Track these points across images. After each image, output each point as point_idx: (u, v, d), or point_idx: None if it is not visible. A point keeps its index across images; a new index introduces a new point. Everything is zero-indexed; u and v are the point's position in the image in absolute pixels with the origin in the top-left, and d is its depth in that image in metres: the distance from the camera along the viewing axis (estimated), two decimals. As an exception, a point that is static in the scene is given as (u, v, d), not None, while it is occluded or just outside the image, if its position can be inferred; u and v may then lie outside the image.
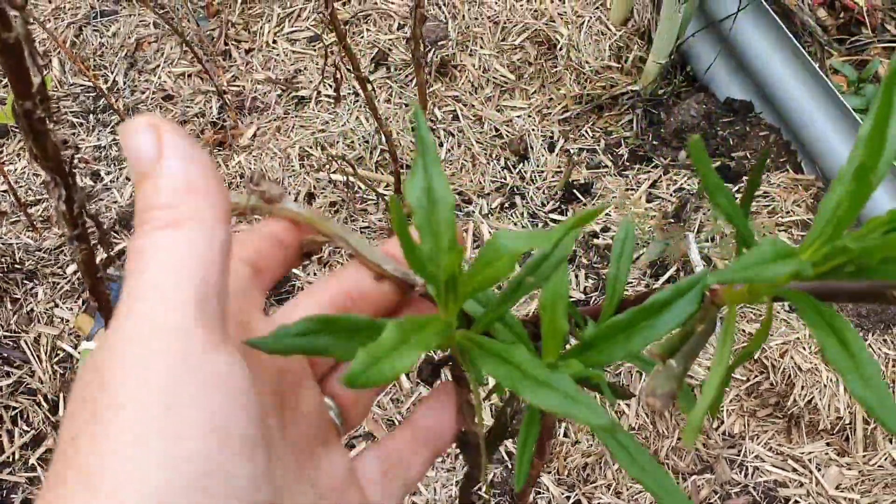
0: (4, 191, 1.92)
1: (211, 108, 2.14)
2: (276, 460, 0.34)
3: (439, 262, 0.38)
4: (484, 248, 0.36)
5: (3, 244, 1.77)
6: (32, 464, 1.66)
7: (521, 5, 2.20)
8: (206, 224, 0.29)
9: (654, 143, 1.99)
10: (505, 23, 2.19)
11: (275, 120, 2.09)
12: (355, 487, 0.39)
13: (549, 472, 1.51)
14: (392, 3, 2.26)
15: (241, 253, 0.38)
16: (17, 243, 1.79)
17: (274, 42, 2.23)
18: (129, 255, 0.29)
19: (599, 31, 2.12)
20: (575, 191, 1.96)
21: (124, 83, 2.18)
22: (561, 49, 2.11)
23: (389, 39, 2.19)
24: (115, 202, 1.92)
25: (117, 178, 1.98)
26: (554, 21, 2.16)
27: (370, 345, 0.34)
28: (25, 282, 1.76)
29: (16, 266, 1.76)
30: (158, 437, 0.26)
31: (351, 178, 1.93)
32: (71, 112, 2.12)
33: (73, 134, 2.08)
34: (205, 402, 0.27)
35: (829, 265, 0.34)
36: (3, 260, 1.76)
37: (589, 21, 2.13)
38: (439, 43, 2.16)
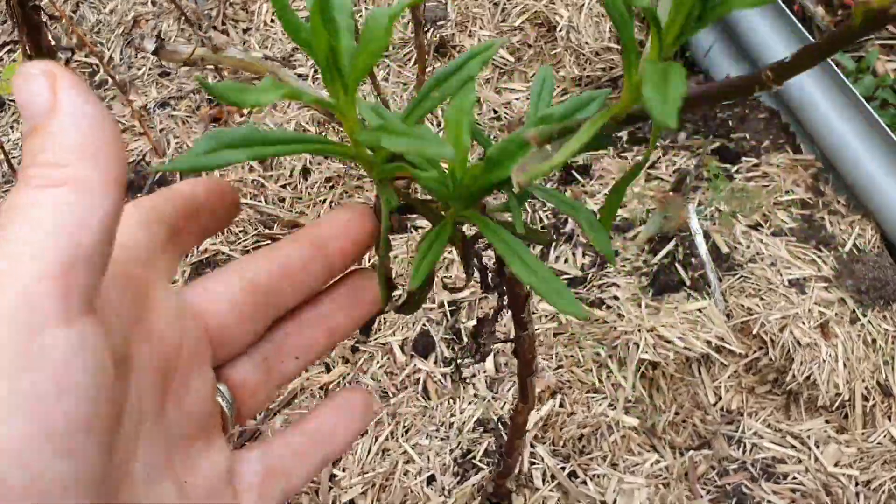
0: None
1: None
2: (128, 453, 0.30)
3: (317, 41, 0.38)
4: (363, 31, 0.37)
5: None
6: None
7: (521, -13, 2.20)
8: (92, 188, 0.27)
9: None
10: (504, 4, 2.18)
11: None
12: (229, 491, 0.36)
13: (545, 443, 1.49)
14: (392, -16, 2.25)
15: (161, 211, 0.36)
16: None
17: (272, 22, 2.22)
18: (2, 212, 0.27)
19: (600, 12, 2.11)
20: (574, 171, 1.95)
21: (121, 59, 2.17)
22: (560, 31, 2.11)
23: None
24: (109, 173, 1.90)
25: (111, 151, 1.96)
26: (554, 3, 2.15)
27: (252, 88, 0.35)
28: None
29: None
30: None
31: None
32: (66, 86, 2.10)
33: (68, 107, 2.06)
34: (26, 382, 0.24)
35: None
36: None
37: (589, 3, 2.13)
38: (438, 23, 2.15)
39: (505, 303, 0.85)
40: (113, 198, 0.28)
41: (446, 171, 0.53)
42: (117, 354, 0.29)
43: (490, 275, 0.67)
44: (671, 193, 1.54)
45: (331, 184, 1.90)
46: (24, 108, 0.28)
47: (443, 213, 0.55)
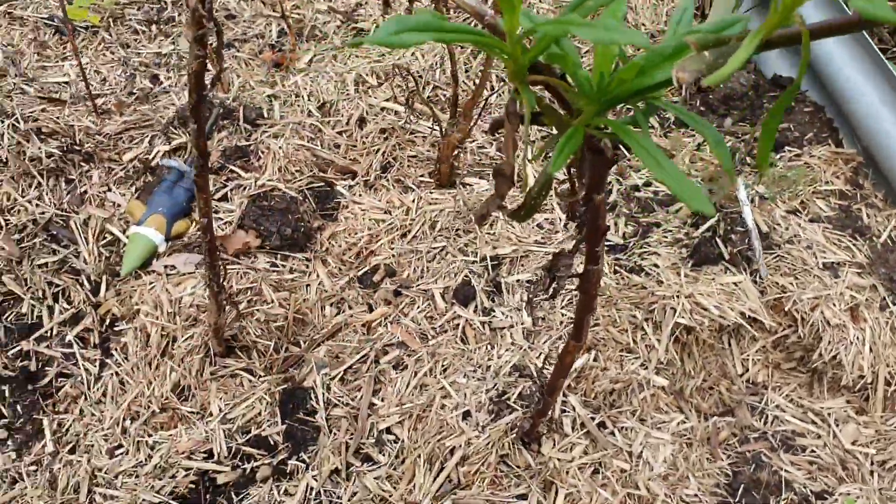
0: (66, 82, 1.97)
1: (271, 30, 2.18)
2: None
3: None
4: None
5: (65, 125, 1.81)
6: (69, 340, 1.69)
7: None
8: None
9: (702, 108, 2.04)
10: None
11: (332, 50, 2.14)
12: None
13: (577, 394, 1.55)
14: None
15: None
16: (78, 125, 1.83)
17: (337, -23, 2.28)
18: None
19: (657, -4, 2.17)
20: (622, 148, 2.00)
21: (188, -1, 2.23)
22: (617, 12, 2.16)
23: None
24: (173, 104, 1.96)
25: (175, 84, 2.02)
26: (613, -15, 2.21)
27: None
28: (82, 164, 1.80)
29: (75, 147, 1.80)
30: None
31: (401, 110, 1.97)
32: (135, 20, 2.16)
33: (136, 40, 2.13)
34: None
35: None
36: (63, 140, 1.80)
37: (648, -13, 2.18)
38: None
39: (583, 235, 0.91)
40: None
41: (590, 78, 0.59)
42: None
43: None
44: (719, 168, 1.59)
45: (385, 135, 1.96)
46: None
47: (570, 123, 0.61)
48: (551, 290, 1.11)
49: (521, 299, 1.69)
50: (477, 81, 1.89)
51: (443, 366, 1.59)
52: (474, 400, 1.53)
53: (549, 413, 1.47)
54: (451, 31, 0.55)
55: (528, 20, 0.51)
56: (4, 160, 1.75)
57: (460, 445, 1.47)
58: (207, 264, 1.29)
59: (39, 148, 1.76)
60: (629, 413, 1.55)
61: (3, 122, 1.76)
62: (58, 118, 1.82)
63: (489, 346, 1.62)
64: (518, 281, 1.72)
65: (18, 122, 1.77)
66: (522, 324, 1.65)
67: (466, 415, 1.52)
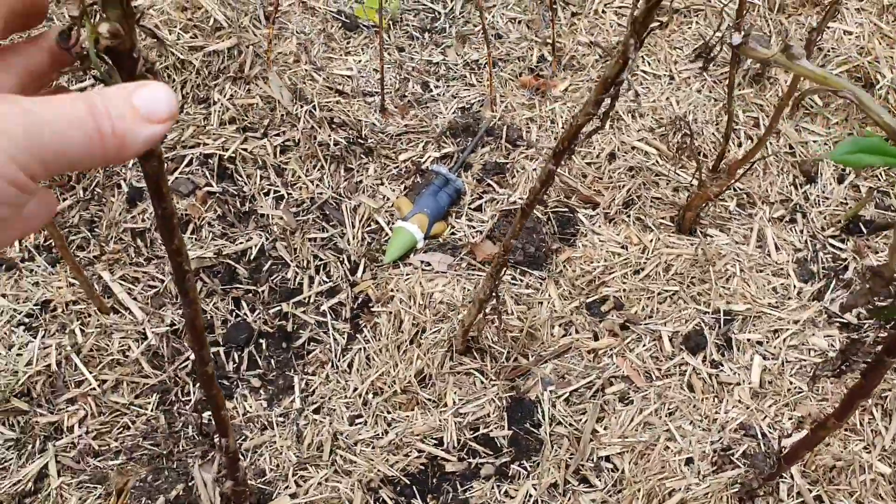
0: (349, 76, 2.16)
1: (532, 55, 2.31)
2: None
3: None
4: None
5: (354, 118, 2.00)
6: (324, 310, 1.88)
7: (849, 39, 2.26)
8: None
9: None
10: (828, 51, 2.25)
11: (588, 80, 2.24)
12: None
13: (797, 463, 1.59)
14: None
15: None
16: (365, 121, 2.02)
17: (603, 12, 2.38)
18: None
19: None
20: (860, 223, 2.01)
21: (460, 13, 2.39)
22: (880, 89, 2.16)
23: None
24: (441, 112, 2.12)
25: (444, 93, 2.18)
26: (878, 62, 2.20)
27: None
28: (362, 156, 1.98)
29: (359, 140, 1.98)
30: None
31: (652, 151, 2.05)
32: (411, 26, 2.34)
33: (410, 45, 2.30)
34: None
35: None
36: (350, 132, 1.99)
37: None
38: (761, 52, 2.24)
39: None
40: None
41: None
42: None
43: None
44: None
45: (632, 172, 2.04)
46: None
47: None
48: (838, 371, 1.16)
49: (750, 358, 1.74)
50: (752, 142, 1.94)
51: (669, 409, 1.67)
52: (698, 448, 1.59)
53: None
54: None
55: None
56: (297, 141, 1.96)
57: (680, 489, 1.54)
58: (493, 271, 1.41)
59: (329, 135, 1.96)
60: (847, 493, 1.57)
61: (302, 106, 1.96)
62: (348, 111, 2.01)
63: (716, 399, 1.68)
64: (749, 340, 1.77)
65: (315, 110, 1.97)
66: (750, 383, 1.70)
67: (689, 461, 1.59)
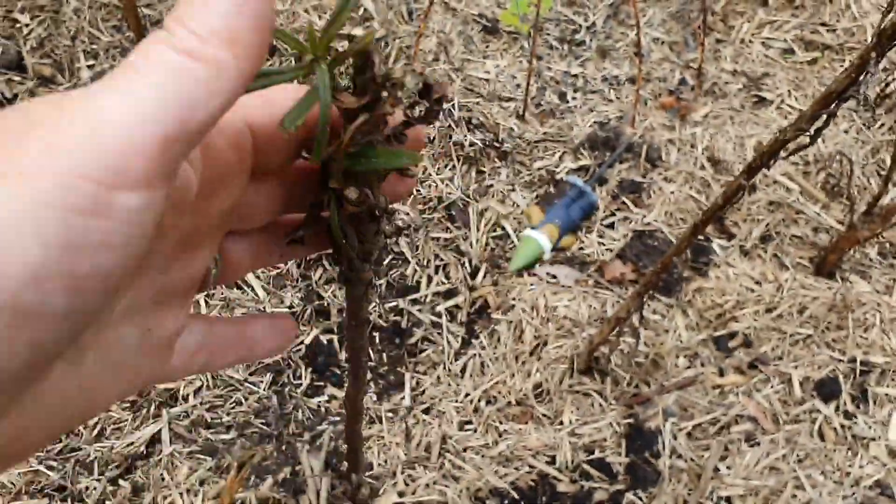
0: (486, 79, 2.14)
1: (673, 77, 2.25)
2: (119, 297, 0.29)
3: None
4: None
5: (493, 121, 1.98)
6: (439, 311, 1.84)
7: None
8: (225, 74, 0.25)
9: None
10: None
11: (730, 108, 2.16)
12: (171, 350, 0.34)
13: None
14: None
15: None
16: (503, 124, 1.99)
17: (750, 42, 2.31)
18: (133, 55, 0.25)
19: None
20: None
21: (602, 27, 2.35)
22: None
23: None
24: (576, 124, 2.08)
25: (580, 106, 2.14)
26: None
27: None
28: (496, 160, 1.95)
29: (495, 143, 1.96)
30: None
31: (794, 187, 1.96)
32: (552, 35, 2.31)
33: (548, 55, 2.27)
34: (81, 226, 0.23)
35: None
36: (486, 134, 1.96)
37: None
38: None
39: None
40: (240, 88, 0.26)
41: None
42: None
43: None
44: None
45: (772, 207, 1.96)
46: None
47: None
48: None
49: (888, 414, 1.64)
50: None
51: (798, 456, 1.58)
52: (829, 501, 1.50)
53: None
54: None
55: None
56: (432, 138, 1.94)
57: (808, 542, 1.45)
58: (642, 289, 1.36)
59: (465, 136, 1.94)
60: None
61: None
62: (487, 113, 1.99)
63: (849, 452, 1.58)
64: (887, 395, 1.67)
65: (454, 109, 1.96)
66: (887, 440, 1.60)
67: (819, 514, 1.50)
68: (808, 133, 0.93)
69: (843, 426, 1.63)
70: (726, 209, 1.09)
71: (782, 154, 0.97)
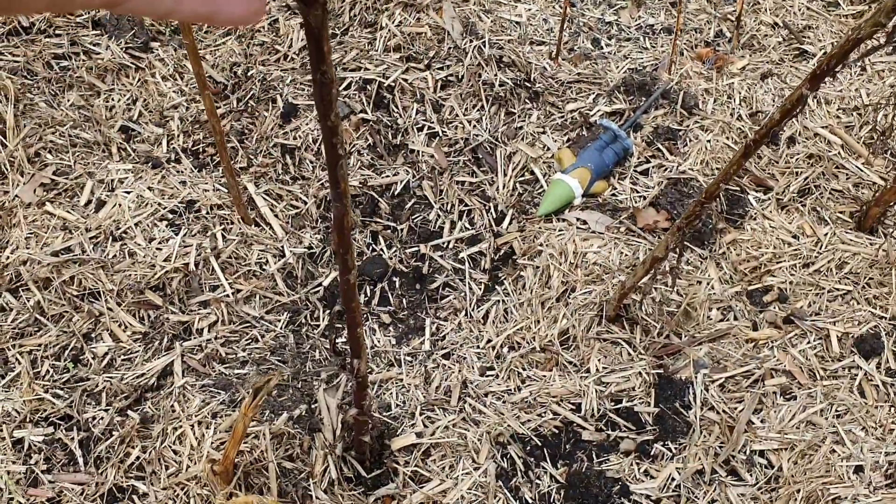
0: (518, 22, 2.06)
1: (710, 28, 2.16)
2: None
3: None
4: None
5: (524, 60, 1.90)
6: (462, 257, 1.78)
7: None
8: None
9: None
10: None
11: (769, 62, 2.08)
12: None
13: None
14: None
15: None
16: (535, 64, 1.91)
17: (792, -6, 2.22)
18: None
19: None
20: None
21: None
22: None
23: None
24: (610, 70, 2.00)
25: (615, 52, 2.06)
26: None
27: None
28: (527, 101, 1.88)
29: (526, 83, 1.88)
30: None
31: (835, 141, 1.88)
32: (586, -17, 2.23)
33: (582, 2, 2.19)
34: None
35: None
36: (517, 74, 1.89)
37: None
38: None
39: None
40: None
41: None
42: None
43: None
44: None
45: (811, 161, 1.88)
46: None
47: None
48: None
49: (932, 373, 1.56)
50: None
51: (837, 411, 1.50)
52: (871, 458, 1.43)
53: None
54: None
55: None
56: (460, 77, 1.87)
57: (847, 497, 1.38)
58: (679, 226, 1.28)
59: (495, 75, 1.86)
60: None
61: (471, 41, 1.87)
62: (519, 52, 1.91)
63: (892, 409, 1.51)
64: (931, 353, 1.59)
65: (485, 46, 1.88)
66: (931, 399, 1.52)
67: (859, 469, 1.42)
68: (886, 29, 0.85)
69: (884, 383, 1.55)
70: (784, 124, 1.02)
71: (853, 55, 0.89)
